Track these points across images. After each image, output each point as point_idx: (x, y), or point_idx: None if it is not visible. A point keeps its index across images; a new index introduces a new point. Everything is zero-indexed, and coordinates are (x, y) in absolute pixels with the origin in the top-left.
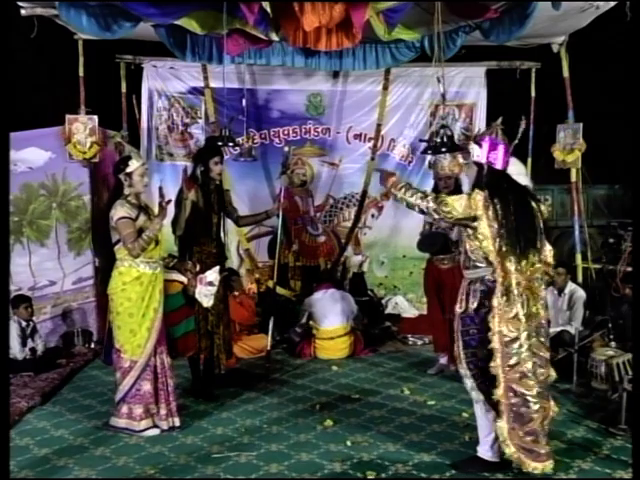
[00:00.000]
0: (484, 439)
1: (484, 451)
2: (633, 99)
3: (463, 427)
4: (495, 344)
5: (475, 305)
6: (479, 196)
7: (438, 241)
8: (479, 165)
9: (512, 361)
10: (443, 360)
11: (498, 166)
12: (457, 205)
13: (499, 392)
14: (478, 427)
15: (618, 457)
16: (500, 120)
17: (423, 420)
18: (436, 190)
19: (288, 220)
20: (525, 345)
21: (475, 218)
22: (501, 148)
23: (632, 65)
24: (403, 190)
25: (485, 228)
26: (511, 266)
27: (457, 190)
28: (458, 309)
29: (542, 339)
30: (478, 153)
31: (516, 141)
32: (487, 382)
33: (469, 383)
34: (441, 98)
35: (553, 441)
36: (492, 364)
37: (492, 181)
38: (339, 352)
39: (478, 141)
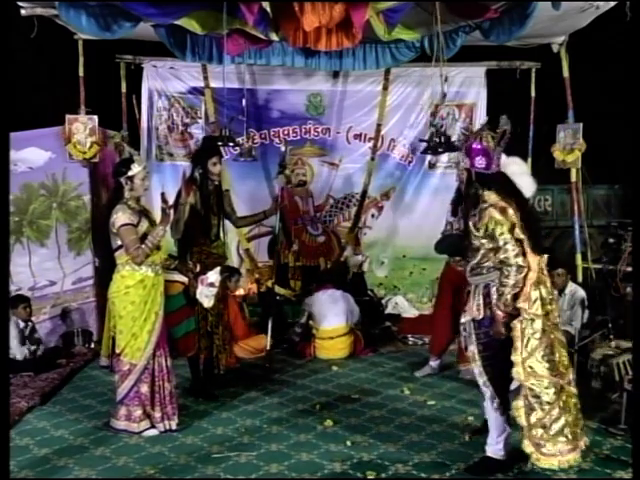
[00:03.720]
0: (497, 439)
1: (497, 450)
2: (633, 99)
3: (463, 427)
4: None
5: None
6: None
7: (455, 242)
8: (468, 171)
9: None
10: (433, 363)
11: (486, 171)
12: (509, 240)
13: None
14: (490, 427)
15: (618, 457)
16: (485, 120)
17: (423, 420)
18: (458, 193)
19: (288, 220)
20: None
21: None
22: (488, 153)
23: (632, 65)
24: (497, 299)
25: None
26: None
27: None
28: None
29: None
30: (465, 160)
31: (501, 147)
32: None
33: (481, 380)
34: (441, 98)
35: None
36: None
37: (497, 184)
38: (339, 352)
39: (467, 147)
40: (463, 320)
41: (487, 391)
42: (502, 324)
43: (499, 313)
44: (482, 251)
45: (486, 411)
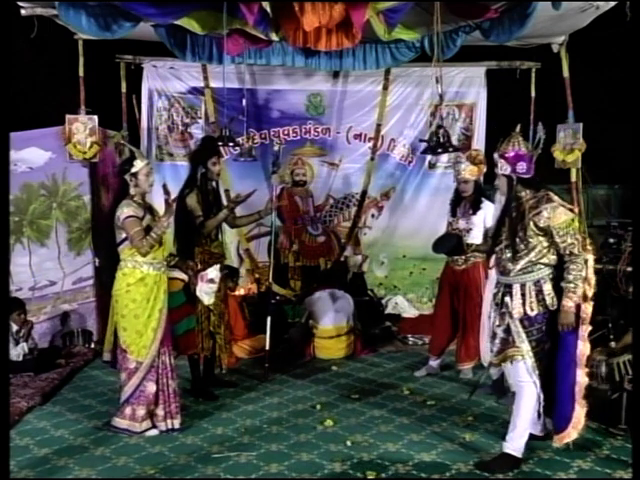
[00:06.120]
0: (522, 436)
1: (519, 448)
2: (633, 99)
3: (463, 427)
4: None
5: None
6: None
7: (453, 242)
8: (509, 178)
9: None
10: (433, 363)
11: (527, 175)
12: (574, 233)
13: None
14: (518, 422)
15: (618, 457)
16: (519, 128)
17: (423, 420)
18: (457, 193)
19: (288, 220)
20: None
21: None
22: (526, 158)
23: (632, 65)
24: (573, 290)
25: None
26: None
27: (477, 194)
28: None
29: None
30: (505, 167)
31: (539, 151)
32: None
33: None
34: (439, 99)
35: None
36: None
37: (541, 185)
38: (339, 351)
39: (503, 155)
40: (498, 322)
41: (532, 387)
42: (573, 314)
43: (571, 305)
44: (538, 249)
45: (519, 407)
